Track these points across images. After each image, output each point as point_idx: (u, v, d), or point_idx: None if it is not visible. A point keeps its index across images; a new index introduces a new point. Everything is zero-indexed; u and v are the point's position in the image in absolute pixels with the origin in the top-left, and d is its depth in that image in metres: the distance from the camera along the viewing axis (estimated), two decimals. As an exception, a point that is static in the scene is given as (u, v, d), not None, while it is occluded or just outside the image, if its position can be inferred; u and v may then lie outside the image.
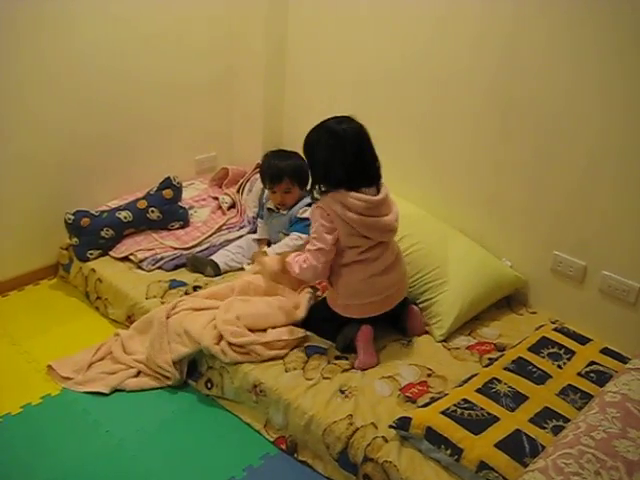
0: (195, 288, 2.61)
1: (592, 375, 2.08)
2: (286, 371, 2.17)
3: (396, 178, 2.58)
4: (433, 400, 1.96)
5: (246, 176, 3.21)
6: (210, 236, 2.96)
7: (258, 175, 2.97)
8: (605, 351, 2.21)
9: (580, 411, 1.81)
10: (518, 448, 1.74)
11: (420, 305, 2.45)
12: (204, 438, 2.14)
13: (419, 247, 2.52)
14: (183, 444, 2.10)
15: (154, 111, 3.10)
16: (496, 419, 1.84)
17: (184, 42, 3.09)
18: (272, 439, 2.13)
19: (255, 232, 2.97)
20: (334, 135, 2.12)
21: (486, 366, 2.18)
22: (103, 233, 2.79)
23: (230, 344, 2.21)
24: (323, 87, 3.11)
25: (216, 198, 3.19)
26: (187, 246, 2.88)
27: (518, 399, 1.94)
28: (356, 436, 1.92)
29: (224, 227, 3.03)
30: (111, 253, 2.82)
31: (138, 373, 2.36)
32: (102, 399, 2.27)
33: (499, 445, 1.74)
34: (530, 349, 2.19)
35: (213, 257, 2.77)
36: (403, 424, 1.85)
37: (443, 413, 1.84)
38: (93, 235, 2.78)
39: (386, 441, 1.88)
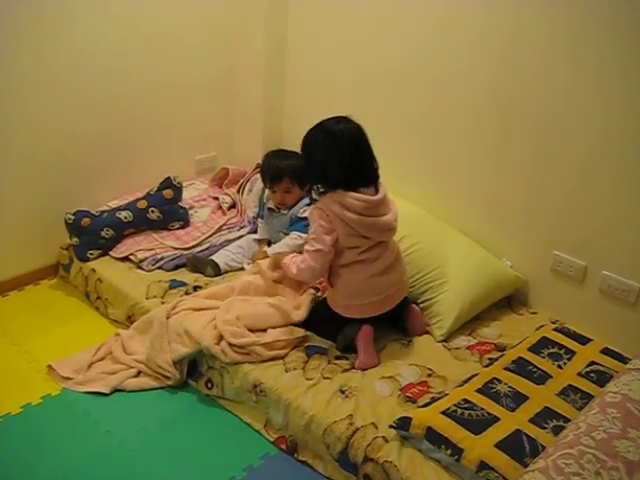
0: (195, 288, 2.61)
1: (592, 375, 2.08)
2: (286, 371, 2.17)
3: (396, 178, 2.59)
4: (433, 400, 1.96)
5: (246, 176, 3.22)
6: (210, 236, 2.96)
7: (258, 175, 2.97)
8: (605, 351, 2.21)
9: (580, 411, 1.81)
10: (518, 448, 1.74)
11: (420, 305, 2.45)
12: (204, 438, 2.14)
13: (419, 247, 2.52)
14: (183, 444, 2.10)
15: (154, 111, 3.10)
16: (496, 419, 1.84)
17: (184, 42, 3.09)
18: (272, 439, 2.13)
19: (255, 232, 2.97)
20: (331, 135, 2.13)
21: (486, 366, 2.18)
22: (103, 233, 2.79)
23: (230, 344, 2.21)
24: (323, 87, 3.11)
25: (216, 198, 3.19)
26: (187, 246, 2.88)
27: (518, 399, 1.94)
28: (356, 436, 1.92)
29: (224, 227, 3.03)
30: (111, 253, 2.82)
31: (138, 373, 2.36)
32: (102, 399, 2.27)
33: (499, 445, 1.74)
34: (530, 349, 2.19)
35: (213, 257, 2.78)
36: (403, 424, 1.85)
37: (443, 413, 1.84)
38: (93, 235, 2.78)
39: (386, 441, 1.88)
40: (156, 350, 2.32)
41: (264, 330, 2.29)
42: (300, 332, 2.31)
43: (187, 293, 2.57)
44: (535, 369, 2.09)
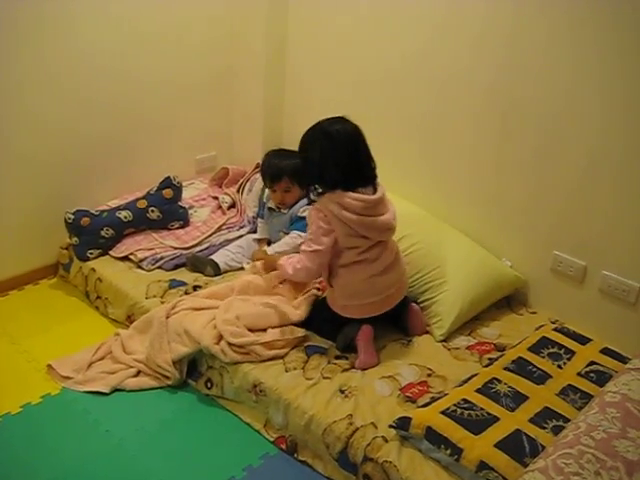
0: (195, 288, 2.61)
1: (592, 375, 2.08)
2: (286, 371, 2.17)
3: (396, 178, 2.59)
4: (433, 400, 1.96)
5: (246, 176, 3.22)
6: (210, 236, 2.96)
7: (258, 175, 2.97)
8: (605, 351, 2.21)
9: (580, 411, 1.81)
10: (518, 448, 1.74)
11: (420, 305, 2.45)
12: (204, 438, 2.14)
13: (419, 247, 2.52)
14: (183, 444, 2.10)
15: (154, 111, 3.10)
16: (496, 419, 1.84)
17: (184, 42, 3.09)
18: (272, 439, 2.13)
19: (255, 232, 2.97)
20: (327, 136, 2.13)
21: (486, 366, 2.18)
22: (103, 233, 2.79)
23: (230, 344, 2.21)
24: (323, 87, 3.11)
25: (216, 198, 3.19)
26: (187, 246, 2.88)
27: (518, 399, 1.94)
28: (356, 436, 1.92)
29: (224, 227, 3.03)
30: (111, 253, 2.82)
31: (138, 373, 2.36)
32: (102, 399, 2.27)
33: (499, 445, 1.74)
34: (530, 349, 2.19)
35: (213, 257, 2.78)
36: (403, 424, 1.85)
37: (443, 413, 1.84)
38: (93, 235, 2.78)
39: (386, 441, 1.88)
40: (156, 350, 2.32)
41: (264, 330, 2.29)
42: (300, 332, 2.31)
43: (187, 293, 2.57)
44: (535, 369, 2.09)
